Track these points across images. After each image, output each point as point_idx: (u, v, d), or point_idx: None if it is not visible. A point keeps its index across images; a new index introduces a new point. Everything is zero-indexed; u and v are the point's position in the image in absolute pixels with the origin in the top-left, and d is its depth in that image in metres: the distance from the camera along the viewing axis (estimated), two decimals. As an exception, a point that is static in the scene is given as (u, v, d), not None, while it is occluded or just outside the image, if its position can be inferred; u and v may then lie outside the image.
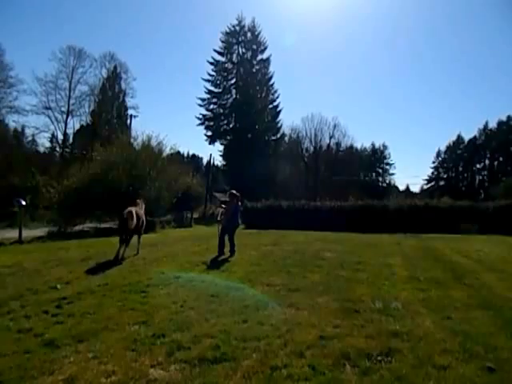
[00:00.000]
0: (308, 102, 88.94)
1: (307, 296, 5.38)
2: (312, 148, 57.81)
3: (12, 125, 41.06)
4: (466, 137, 65.08)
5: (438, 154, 67.27)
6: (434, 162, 67.67)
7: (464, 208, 20.77)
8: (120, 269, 7.43)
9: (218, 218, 10.09)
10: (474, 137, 64.28)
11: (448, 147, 66.55)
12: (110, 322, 4.25)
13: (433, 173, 67.86)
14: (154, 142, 22.16)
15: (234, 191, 9.79)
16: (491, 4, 64.32)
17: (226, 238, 9.31)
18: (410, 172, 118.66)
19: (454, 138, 65.92)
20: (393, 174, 67.16)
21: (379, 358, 3.34)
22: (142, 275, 6.77)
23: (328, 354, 3.40)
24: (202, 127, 50.96)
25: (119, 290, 5.69)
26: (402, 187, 67.55)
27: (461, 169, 66.35)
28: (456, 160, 65.69)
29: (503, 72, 77.94)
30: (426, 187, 67.35)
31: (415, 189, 68.46)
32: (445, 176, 67.20)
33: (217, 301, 5.12)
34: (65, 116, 43.61)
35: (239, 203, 9.83)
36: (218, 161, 51.41)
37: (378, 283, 6.28)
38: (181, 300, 5.10)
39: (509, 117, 61.34)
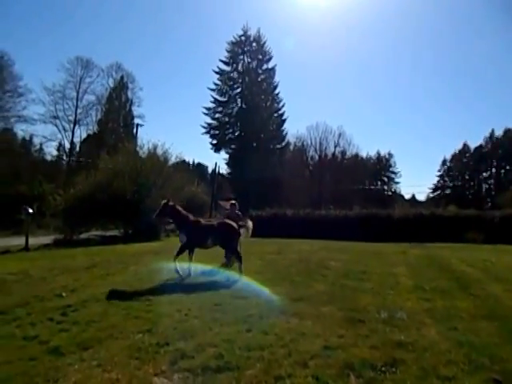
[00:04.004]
0: (313, 111, 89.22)
1: (311, 305, 5.36)
2: (317, 156, 57.85)
3: (20, 134, 41.74)
4: (472, 145, 64.79)
5: (444, 162, 67.02)
6: (439, 171, 67.40)
7: (470, 217, 20.67)
8: (125, 277, 7.45)
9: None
10: (480, 145, 63.95)
11: (454, 156, 66.22)
12: (115, 330, 4.27)
13: (438, 181, 67.46)
14: (159, 151, 22.40)
15: (234, 201, 9.93)
16: (496, 15, 64.47)
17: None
18: (416, 181, 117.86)
19: (460, 146, 65.72)
20: (398, 183, 66.79)
21: (383, 368, 3.31)
22: (146, 283, 6.79)
23: (332, 365, 3.38)
24: (208, 136, 51.36)
25: (124, 298, 5.70)
26: (407, 196, 67.12)
27: (467, 177, 65.90)
28: (462, 168, 65.31)
29: (510, 80, 77.65)
30: (431, 196, 66.96)
31: (421, 197, 68.06)
32: (451, 185, 66.75)
33: (221, 309, 5.12)
34: (72, 125, 44.31)
35: (238, 212, 9.84)
36: (223, 169, 51.69)
37: (383, 293, 6.24)
38: (185, 308, 5.10)
39: (515, 125, 61.05)
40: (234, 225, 8.05)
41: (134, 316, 4.83)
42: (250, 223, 8.43)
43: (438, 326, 4.48)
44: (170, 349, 3.74)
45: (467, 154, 65.69)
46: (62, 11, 66.95)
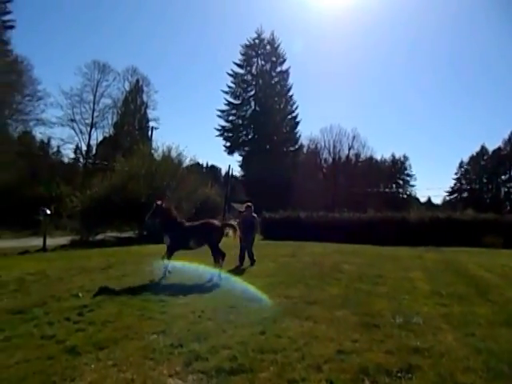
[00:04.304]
0: (327, 113, 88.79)
1: (325, 309, 5.32)
2: (331, 159, 57.48)
3: (39, 136, 42.75)
4: (491, 147, 63.43)
5: (461, 165, 65.79)
6: (456, 174, 66.17)
7: (488, 221, 20.18)
8: (139, 278, 7.52)
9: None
10: (499, 147, 62.45)
11: (471, 158, 64.96)
12: (130, 331, 4.31)
13: (455, 184, 66.24)
14: (174, 153, 22.65)
15: (250, 203, 9.88)
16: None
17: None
18: (432, 183, 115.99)
19: (478, 148, 64.42)
20: (413, 186, 65.80)
21: (399, 374, 3.27)
22: (160, 284, 6.85)
23: (346, 369, 3.35)
24: (221, 138, 51.69)
25: (139, 299, 5.76)
26: (423, 199, 66.16)
27: (485, 180, 64.48)
28: (480, 171, 63.97)
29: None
30: (448, 199, 65.82)
31: (437, 201, 67.01)
32: (468, 188, 65.46)
33: (234, 312, 5.12)
34: (89, 128, 45.15)
35: (254, 215, 9.83)
36: (237, 171, 51.91)
37: (399, 297, 6.16)
38: (199, 310, 5.13)
39: (535, 127, 59.55)
40: (217, 223, 8.11)
41: (149, 317, 4.87)
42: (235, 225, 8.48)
43: (455, 332, 4.40)
44: (184, 350, 3.76)
45: (485, 157, 64.34)
46: (75, 17, 68.50)
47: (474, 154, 64.74)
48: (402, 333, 4.33)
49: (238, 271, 8.52)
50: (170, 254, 7.70)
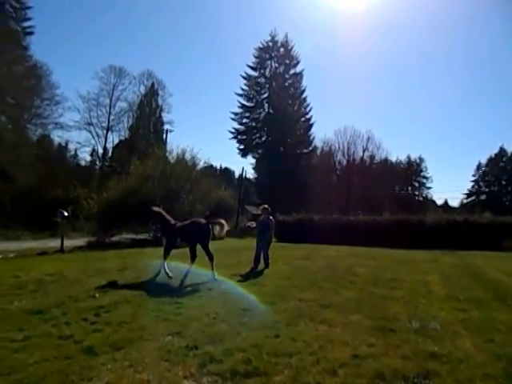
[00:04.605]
0: (341, 115, 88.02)
1: (340, 313, 5.29)
2: (345, 161, 56.96)
3: (57, 140, 43.56)
4: (510, 149, 61.88)
5: (479, 166, 64.41)
6: (474, 176, 64.82)
7: (507, 224, 19.72)
8: (154, 279, 7.60)
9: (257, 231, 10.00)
10: (519, 148, 61.03)
11: (490, 159, 63.54)
12: (145, 332, 4.36)
13: (473, 186, 64.90)
14: (188, 156, 22.80)
15: (267, 205, 9.89)
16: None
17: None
18: (449, 186, 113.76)
19: (496, 149, 62.97)
20: (430, 188, 64.74)
21: (416, 380, 3.23)
22: (175, 286, 6.91)
23: (362, 374, 3.32)
24: (235, 141, 51.82)
25: (154, 301, 5.83)
26: (439, 202, 65.08)
27: (504, 182, 62.99)
28: (498, 173, 62.49)
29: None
30: (465, 202, 64.52)
31: (454, 203, 65.80)
32: (486, 190, 64.04)
33: (248, 314, 5.13)
34: (105, 131, 45.83)
35: (271, 217, 9.84)
36: (250, 174, 51.85)
37: (415, 302, 6.08)
38: (213, 312, 5.15)
39: (556, 127, 57.97)
40: (203, 221, 8.18)
41: (164, 318, 4.91)
42: (223, 221, 8.42)
43: (473, 338, 4.31)
44: (198, 352, 3.78)
45: (504, 158, 62.83)
46: (90, 21, 69.72)
47: (493, 155, 63.35)
48: (419, 338, 4.26)
49: (252, 273, 8.54)
50: (166, 255, 7.96)
